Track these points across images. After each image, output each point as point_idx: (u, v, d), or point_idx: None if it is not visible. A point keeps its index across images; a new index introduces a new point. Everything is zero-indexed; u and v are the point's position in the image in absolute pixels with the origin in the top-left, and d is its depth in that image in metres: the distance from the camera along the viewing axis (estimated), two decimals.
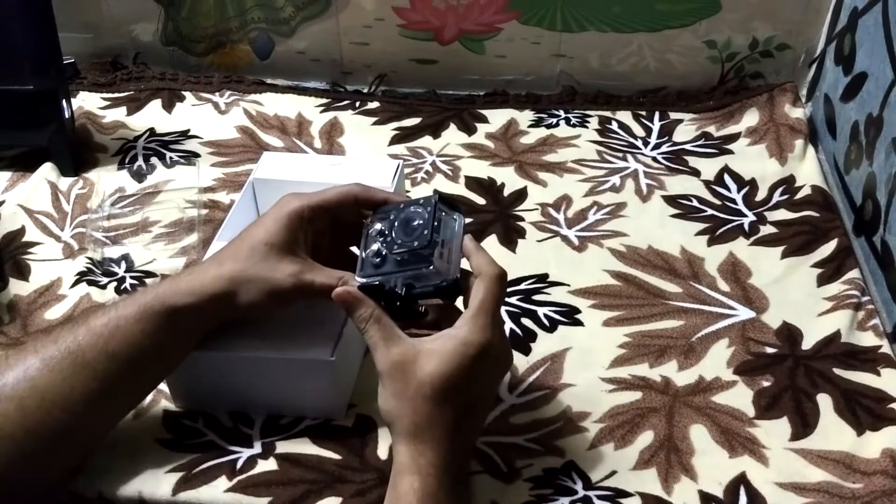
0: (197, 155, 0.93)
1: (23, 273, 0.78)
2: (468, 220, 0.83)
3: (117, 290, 0.76)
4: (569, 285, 0.76)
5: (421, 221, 0.57)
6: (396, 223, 0.58)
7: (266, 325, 0.61)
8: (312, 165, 0.80)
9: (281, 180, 0.77)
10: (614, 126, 0.97)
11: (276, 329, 0.61)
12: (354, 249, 0.61)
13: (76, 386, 0.55)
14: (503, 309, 0.69)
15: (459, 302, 0.58)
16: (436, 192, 0.59)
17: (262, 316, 0.60)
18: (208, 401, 0.65)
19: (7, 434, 0.54)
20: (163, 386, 0.66)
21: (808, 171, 0.89)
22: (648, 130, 0.97)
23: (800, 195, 0.86)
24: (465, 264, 0.58)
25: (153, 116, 0.99)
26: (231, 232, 0.72)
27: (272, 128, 0.97)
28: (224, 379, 0.63)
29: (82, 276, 0.77)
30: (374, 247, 0.58)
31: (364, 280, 0.57)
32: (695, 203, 0.86)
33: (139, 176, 0.89)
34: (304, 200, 0.59)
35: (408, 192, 0.87)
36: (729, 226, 0.83)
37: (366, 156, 0.93)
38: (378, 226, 0.59)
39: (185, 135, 0.96)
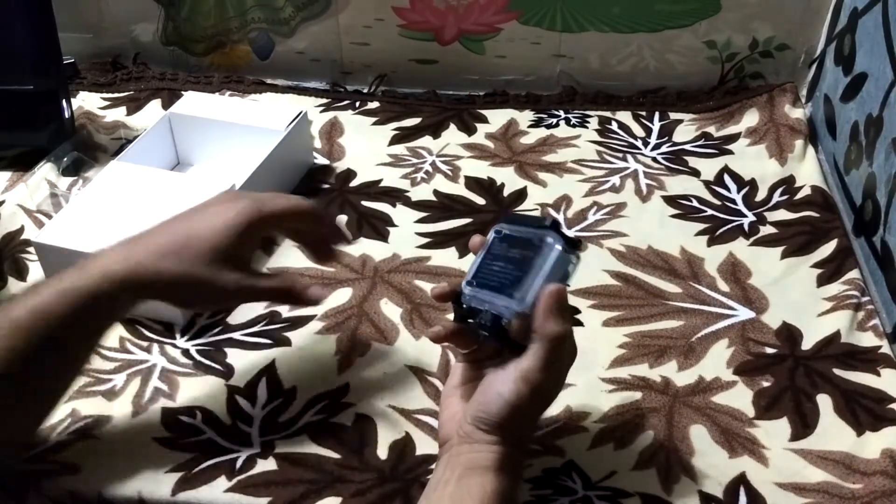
0: None
1: (21, 273, 0.78)
2: (468, 221, 0.84)
3: None
4: (568, 285, 0.76)
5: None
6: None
7: None
8: (225, 107, 0.89)
9: (196, 117, 0.87)
10: (614, 126, 0.97)
11: None
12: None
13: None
14: None
15: None
16: (555, 223, 0.56)
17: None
18: None
19: None
20: (161, 384, 0.66)
21: (807, 171, 0.89)
22: (648, 131, 0.97)
23: (800, 195, 0.86)
24: None
25: (153, 116, 0.99)
26: (136, 155, 0.82)
27: None
28: None
29: None
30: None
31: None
32: (695, 203, 0.86)
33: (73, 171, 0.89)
34: (256, 207, 0.58)
35: (407, 192, 0.87)
36: (729, 226, 0.83)
37: (363, 153, 0.93)
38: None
39: None
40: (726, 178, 0.89)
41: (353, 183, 0.89)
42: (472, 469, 0.53)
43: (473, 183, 0.89)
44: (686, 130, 0.97)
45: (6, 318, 0.53)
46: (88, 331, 0.56)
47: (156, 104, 1.01)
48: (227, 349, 0.70)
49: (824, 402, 0.66)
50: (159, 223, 0.59)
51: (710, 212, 0.85)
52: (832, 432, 0.64)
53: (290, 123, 0.85)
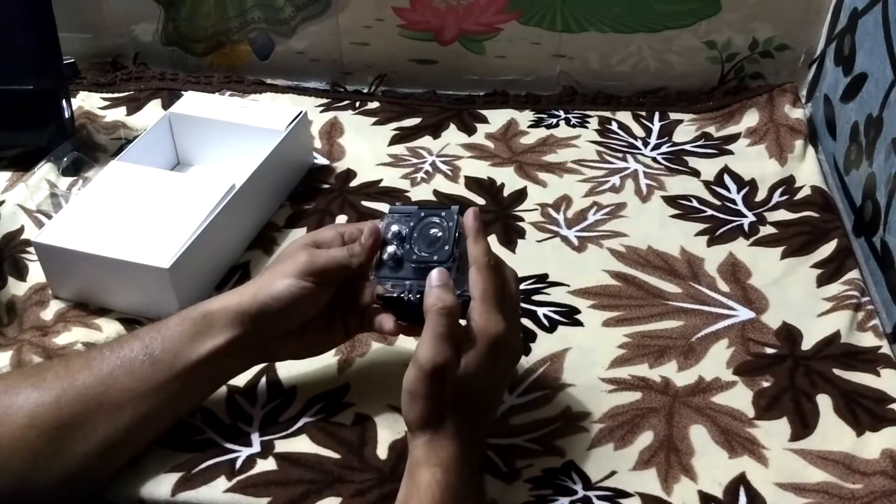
0: None
1: (21, 273, 0.78)
2: None
3: None
4: (568, 286, 0.76)
5: (441, 234, 0.59)
6: (417, 232, 0.59)
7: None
8: (225, 107, 0.89)
9: (196, 117, 0.87)
10: (614, 126, 0.97)
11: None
12: None
13: (114, 384, 0.56)
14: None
15: None
16: (459, 206, 0.61)
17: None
18: (80, 292, 0.74)
19: (41, 426, 0.54)
20: None
21: (807, 171, 0.89)
22: (648, 131, 0.97)
23: (799, 196, 0.86)
24: None
25: (153, 116, 0.99)
26: (136, 155, 0.82)
27: None
28: (85, 274, 0.72)
29: None
30: (391, 249, 0.60)
31: (382, 291, 0.60)
32: (694, 203, 0.86)
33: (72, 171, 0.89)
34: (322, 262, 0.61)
35: (406, 192, 0.87)
36: (729, 226, 0.83)
37: (363, 153, 0.93)
38: (395, 228, 0.60)
39: None
40: (726, 178, 0.89)
41: (353, 183, 0.89)
42: (414, 466, 0.54)
43: (473, 183, 0.89)
44: (686, 130, 0.97)
45: (131, 335, 0.59)
46: (199, 354, 0.58)
47: (156, 104, 1.01)
48: None
49: (824, 402, 0.66)
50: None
51: (710, 212, 0.85)
52: (832, 432, 0.64)
53: (290, 123, 0.85)
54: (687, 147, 0.94)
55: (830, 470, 0.61)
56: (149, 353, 0.57)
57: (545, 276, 0.77)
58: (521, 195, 0.87)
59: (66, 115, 0.90)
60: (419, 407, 0.54)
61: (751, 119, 0.97)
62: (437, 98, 1.04)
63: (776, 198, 0.86)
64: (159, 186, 0.77)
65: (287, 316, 0.60)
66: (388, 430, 0.64)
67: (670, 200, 0.86)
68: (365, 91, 1.06)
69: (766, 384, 0.67)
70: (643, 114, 0.99)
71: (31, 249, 0.79)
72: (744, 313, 0.73)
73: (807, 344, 0.71)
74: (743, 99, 0.99)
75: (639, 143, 0.95)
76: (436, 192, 0.87)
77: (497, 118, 0.99)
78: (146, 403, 0.57)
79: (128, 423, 0.57)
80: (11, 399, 0.55)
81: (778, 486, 0.60)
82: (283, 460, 0.61)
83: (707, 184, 0.88)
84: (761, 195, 0.87)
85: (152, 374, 0.57)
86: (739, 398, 0.66)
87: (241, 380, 0.67)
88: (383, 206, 0.85)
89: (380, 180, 0.89)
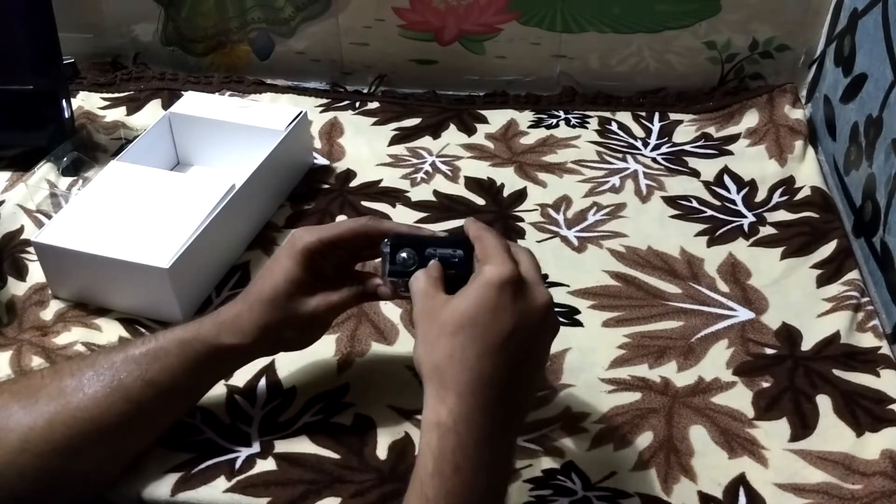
0: None
1: (20, 273, 0.78)
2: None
3: None
4: (568, 286, 0.76)
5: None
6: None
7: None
8: (225, 107, 0.89)
9: (196, 117, 0.87)
10: (614, 127, 0.97)
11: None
12: None
13: (109, 407, 0.56)
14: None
15: None
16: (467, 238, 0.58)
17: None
18: (79, 292, 0.74)
19: (34, 449, 0.54)
20: None
21: (807, 172, 0.89)
22: (648, 131, 0.97)
23: (799, 196, 0.86)
24: None
25: (153, 116, 0.99)
26: (136, 155, 0.82)
27: None
28: (84, 274, 0.72)
29: None
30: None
31: None
32: (694, 204, 0.86)
33: (72, 171, 0.88)
34: (316, 235, 0.59)
35: (406, 192, 0.87)
36: (728, 227, 0.83)
37: (363, 153, 0.93)
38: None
39: None
40: (726, 178, 0.89)
41: (353, 183, 0.89)
42: (422, 429, 0.50)
43: (473, 183, 0.89)
44: (686, 131, 0.97)
45: (125, 355, 0.57)
46: (198, 380, 0.60)
47: (156, 104, 1.01)
48: None
49: (824, 402, 0.66)
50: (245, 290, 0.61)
51: (709, 212, 0.85)
52: (832, 433, 0.64)
53: (290, 123, 0.85)
54: (687, 147, 0.94)
55: (830, 470, 0.61)
56: (147, 380, 0.57)
57: (545, 276, 0.77)
58: (520, 195, 0.87)
59: (66, 115, 0.90)
60: (420, 354, 0.52)
61: (751, 119, 0.97)
62: (437, 98, 1.04)
63: (776, 198, 0.86)
64: (159, 186, 0.77)
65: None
66: (387, 430, 0.64)
67: (670, 201, 0.86)
68: (365, 91, 1.06)
69: (765, 385, 0.67)
70: (643, 114, 0.99)
71: (31, 249, 0.79)
72: (743, 314, 0.73)
73: (806, 344, 0.71)
74: (743, 99, 0.99)
75: (639, 144, 0.95)
76: (436, 192, 0.87)
77: (497, 118, 0.99)
78: (143, 424, 0.58)
79: (123, 442, 0.57)
80: (3, 422, 0.54)
81: (778, 486, 0.60)
82: (283, 460, 0.61)
83: (707, 184, 0.88)
84: (761, 196, 0.87)
85: (149, 398, 0.57)
86: (739, 398, 0.66)
87: (240, 380, 0.67)
88: (383, 207, 0.85)
89: (380, 180, 0.89)
